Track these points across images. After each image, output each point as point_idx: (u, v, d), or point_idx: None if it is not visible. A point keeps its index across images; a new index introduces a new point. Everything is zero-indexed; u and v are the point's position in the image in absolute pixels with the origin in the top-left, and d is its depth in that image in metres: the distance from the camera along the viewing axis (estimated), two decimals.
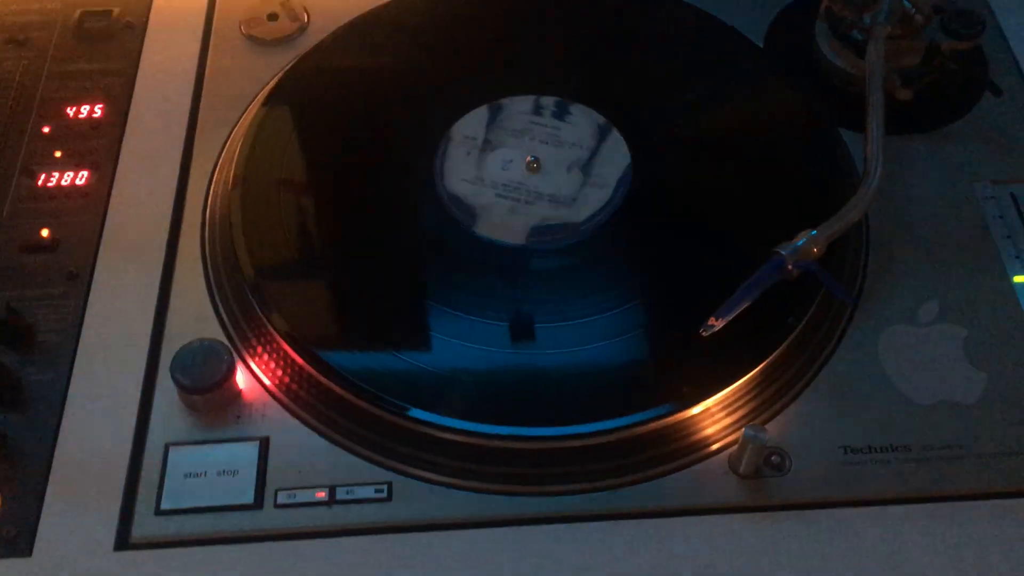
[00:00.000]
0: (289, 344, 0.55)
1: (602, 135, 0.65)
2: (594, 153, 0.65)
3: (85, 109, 0.69)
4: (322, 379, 0.54)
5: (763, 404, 0.55)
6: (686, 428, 0.54)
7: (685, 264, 0.60)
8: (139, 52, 0.72)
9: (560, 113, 0.67)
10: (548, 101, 0.67)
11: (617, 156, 0.64)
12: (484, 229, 0.61)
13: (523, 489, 0.52)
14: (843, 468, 0.53)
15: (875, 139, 0.60)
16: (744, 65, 0.70)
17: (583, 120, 0.66)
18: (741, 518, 0.52)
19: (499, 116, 0.67)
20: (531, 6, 0.74)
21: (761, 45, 0.72)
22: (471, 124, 0.66)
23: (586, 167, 0.64)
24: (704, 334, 0.55)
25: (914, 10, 0.65)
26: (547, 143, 0.65)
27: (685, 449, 0.53)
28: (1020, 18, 0.72)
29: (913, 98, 0.66)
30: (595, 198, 0.62)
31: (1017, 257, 0.61)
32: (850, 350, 0.57)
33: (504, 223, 0.62)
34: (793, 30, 0.72)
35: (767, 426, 0.54)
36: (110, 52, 0.72)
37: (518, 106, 0.67)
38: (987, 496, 0.52)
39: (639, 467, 0.53)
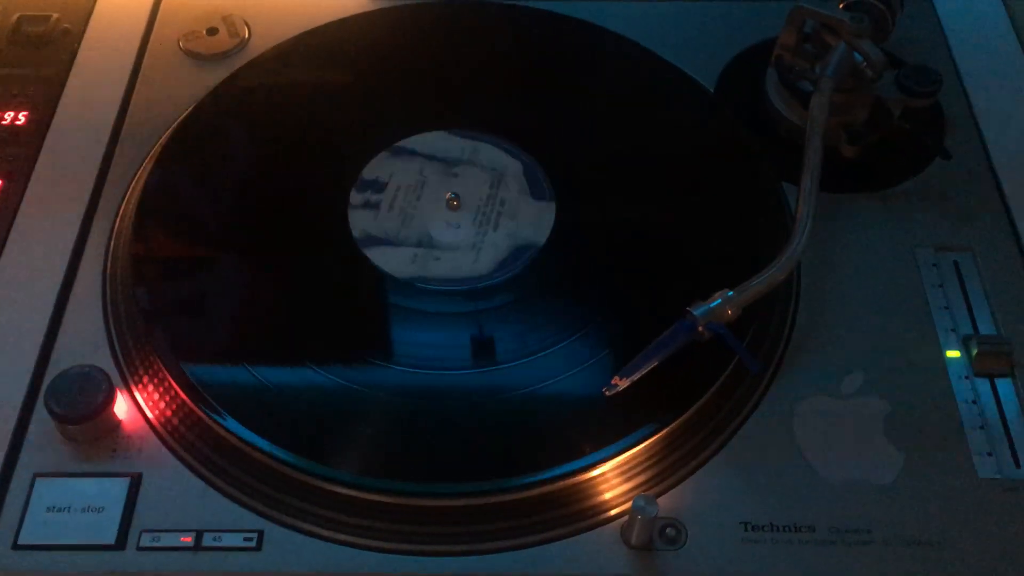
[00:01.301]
0: (169, 372, 0.53)
1: (530, 187, 0.63)
2: (509, 203, 0.62)
3: (9, 116, 0.67)
4: (200, 413, 0.52)
5: (664, 471, 0.52)
6: (578, 492, 0.51)
7: (591, 319, 0.57)
8: (72, 59, 0.70)
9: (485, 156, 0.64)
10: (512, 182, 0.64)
11: (541, 213, 0.61)
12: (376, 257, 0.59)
13: (398, 547, 0.50)
14: (742, 546, 0.50)
15: (807, 197, 0.57)
16: (686, 110, 0.67)
17: (511, 166, 0.63)
18: None
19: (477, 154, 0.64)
20: (477, 41, 0.72)
21: (712, 90, 0.69)
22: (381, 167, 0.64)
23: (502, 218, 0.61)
24: (607, 393, 0.52)
25: (865, 64, 0.62)
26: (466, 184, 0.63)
27: (576, 515, 0.51)
28: (986, 78, 0.69)
29: (860, 155, 0.64)
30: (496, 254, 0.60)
31: (952, 330, 0.58)
32: (763, 418, 0.54)
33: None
34: (746, 76, 0.70)
35: (666, 496, 0.51)
36: (44, 58, 0.70)
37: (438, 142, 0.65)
38: None
39: (525, 531, 0.50)
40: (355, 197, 0.62)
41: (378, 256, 0.59)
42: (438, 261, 0.59)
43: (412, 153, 0.64)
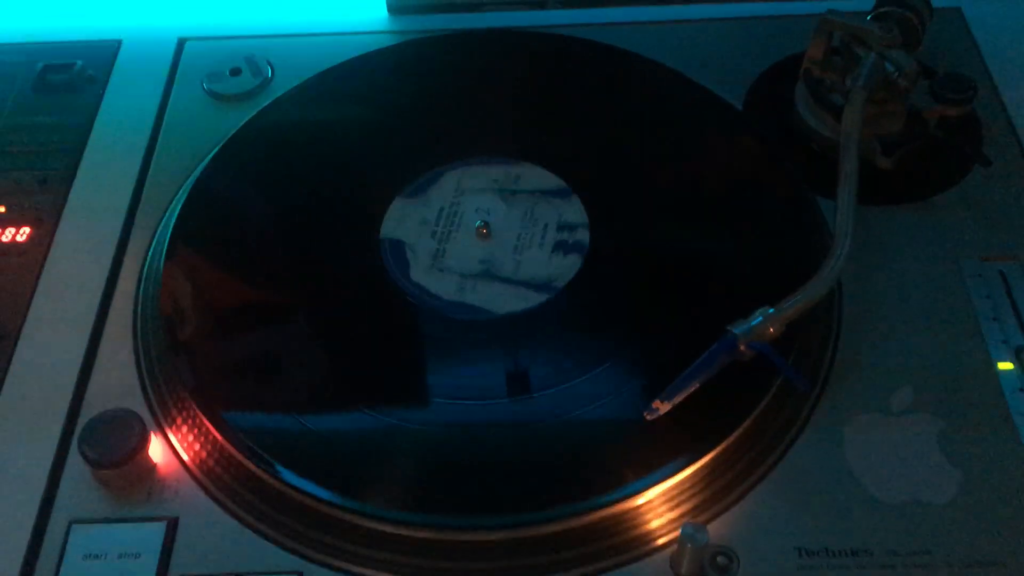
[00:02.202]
0: (204, 414, 0.52)
1: (537, 288, 0.60)
2: (508, 282, 0.60)
3: (37, 163, 0.67)
4: (236, 455, 0.51)
5: (711, 498, 0.50)
6: (623, 522, 0.49)
7: (631, 342, 0.56)
8: (97, 106, 0.70)
9: (562, 247, 0.61)
10: (580, 233, 0.61)
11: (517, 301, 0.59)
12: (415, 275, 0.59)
13: None
14: (797, 573, 0.48)
15: (845, 211, 0.56)
16: (718, 128, 0.66)
17: (558, 265, 0.60)
18: None
19: (553, 199, 0.63)
20: (501, 70, 0.71)
21: (740, 108, 0.68)
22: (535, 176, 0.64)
23: (487, 279, 0.59)
24: (648, 418, 0.51)
25: (897, 74, 0.61)
26: (519, 241, 0.61)
27: (622, 546, 0.49)
28: (1019, 84, 0.68)
29: (896, 167, 0.62)
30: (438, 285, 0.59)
31: (1004, 342, 0.56)
32: (812, 440, 0.52)
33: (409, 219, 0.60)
34: (774, 92, 0.69)
35: (715, 522, 0.49)
36: (69, 106, 0.71)
37: (564, 209, 0.63)
38: None
39: (570, 564, 0.48)
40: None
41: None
42: (475, 291, 0.59)
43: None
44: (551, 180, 0.64)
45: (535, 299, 0.58)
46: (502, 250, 0.60)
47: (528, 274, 0.59)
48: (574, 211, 0.62)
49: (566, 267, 0.59)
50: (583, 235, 0.61)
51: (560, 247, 0.60)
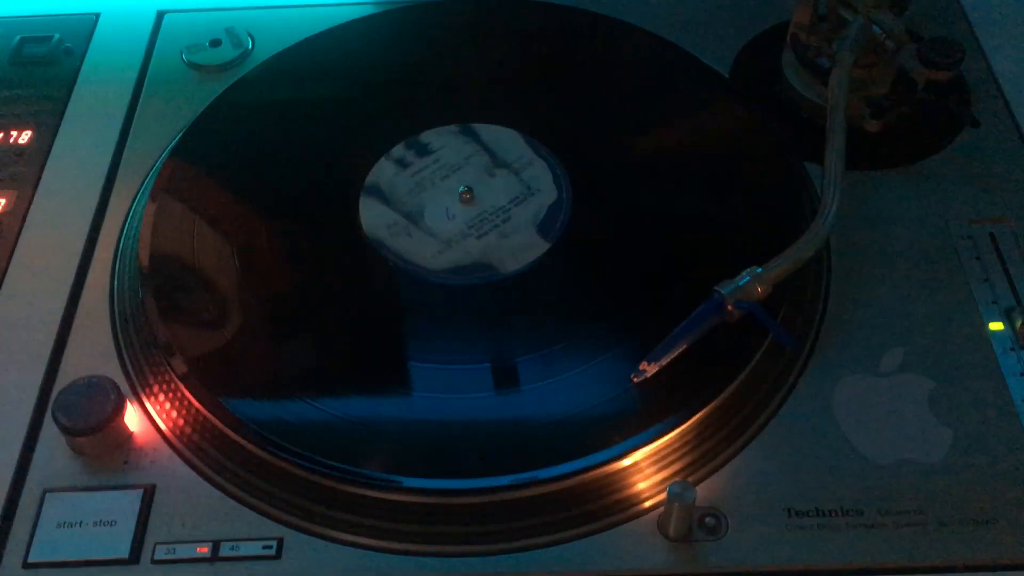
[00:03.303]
0: (181, 381, 0.51)
1: (546, 174, 0.61)
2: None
3: (13, 135, 0.66)
4: (214, 420, 0.50)
5: (700, 459, 0.49)
6: (611, 484, 0.48)
7: (618, 304, 0.55)
8: (75, 78, 0.69)
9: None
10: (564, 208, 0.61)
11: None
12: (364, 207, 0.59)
13: (425, 549, 0.47)
14: (787, 533, 0.47)
15: (832, 171, 0.55)
16: (704, 94, 0.65)
17: (547, 193, 0.61)
18: None
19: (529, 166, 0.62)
20: (485, 38, 0.70)
21: (727, 75, 0.67)
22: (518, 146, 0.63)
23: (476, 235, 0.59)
24: (635, 380, 0.50)
25: (885, 36, 0.60)
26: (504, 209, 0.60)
27: (610, 507, 0.48)
28: (1007, 47, 0.67)
29: (885, 130, 0.62)
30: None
31: (994, 302, 0.55)
32: (801, 401, 0.52)
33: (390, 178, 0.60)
34: (761, 60, 0.68)
35: (704, 484, 0.49)
36: (46, 78, 0.70)
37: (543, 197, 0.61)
38: (947, 569, 0.46)
39: (558, 526, 0.48)
40: (396, 150, 0.62)
41: (366, 207, 0.59)
42: (409, 238, 0.58)
43: (475, 138, 0.63)
44: (526, 143, 0.63)
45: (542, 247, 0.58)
46: (492, 210, 0.60)
47: (527, 226, 0.59)
48: (554, 174, 0.61)
49: (560, 208, 0.59)
50: (563, 177, 0.60)
51: (545, 192, 0.60)
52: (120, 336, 0.55)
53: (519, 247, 0.57)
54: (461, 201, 0.60)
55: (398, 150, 0.62)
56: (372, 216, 0.59)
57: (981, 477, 0.48)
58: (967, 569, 0.46)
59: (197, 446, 0.51)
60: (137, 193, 0.62)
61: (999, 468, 0.49)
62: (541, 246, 0.57)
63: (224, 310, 0.56)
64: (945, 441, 0.50)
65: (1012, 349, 0.53)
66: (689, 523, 0.47)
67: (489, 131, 0.64)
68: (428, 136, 0.63)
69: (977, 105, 0.64)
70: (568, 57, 0.69)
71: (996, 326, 0.54)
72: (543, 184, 0.61)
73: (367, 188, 0.60)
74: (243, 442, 0.50)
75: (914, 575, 0.46)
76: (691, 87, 0.66)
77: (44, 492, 0.49)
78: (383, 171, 0.62)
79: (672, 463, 0.49)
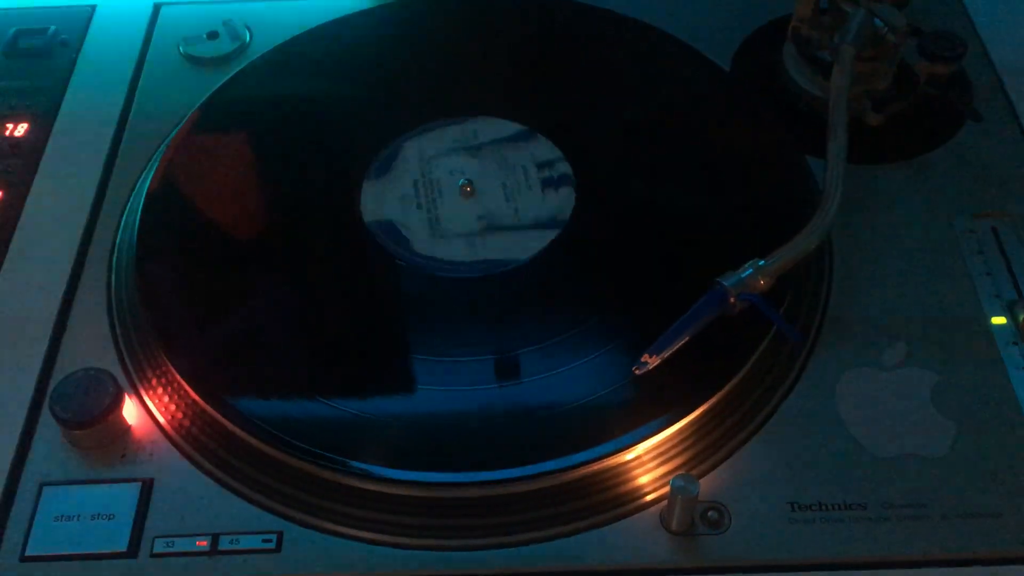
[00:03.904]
0: (179, 374, 0.51)
1: (545, 225, 0.59)
2: (514, 229, 0.59)
3: (9, 127, 0.65)
4: (214, 414, 0.50)
5: (702, 453, 0.49)
6: (613, 477, 0.48)
7: (620, 296, 0.55)
8: (71, 70, 0.69)
9: (550, 183, 0.60)
10: (561, 167, 0.61)
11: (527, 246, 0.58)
12: (370, 185, 0.59)
13: (428, 543, 0.47)
14: (789, 527, 0.47)
15: (834, 164, 0.55)
16: (705, 89, 0.65)
17: (554, 201, 0.60)
18: None
19: (520, 142, 0.62)
20: (485, 32, 0.70)
21: (728, 69, 0.67)
22: (490, 127, 0.63)
23: (491, 230, 0.58)
24: (637, 373, 0.49)
25: (886, 30, 0.60)
26: (504, 190, 0.60)
27: (612, 501, 0.48)
28: (1007, 41, 0.67)
29: (886, 124, 0.61)
30: (456, 251, 0.57)
31: (996, 296, 0.55)
32: (804, 395, 0.51)
33: (386, 197, 0.59)
34: (762, 54, 0.68)
35: (706, 478, 0.48)
36: (42, 70, 0.69)
37: (537, 148, 0.62)
38: (951, 563, 0.46)
39: (560, 520, 0.47)
40: (398, 142, 0.62)
41: (367, 198, 0.59)
42: (409, 230, 0.58)
43: (474, 131, 0.63)
44: (528, 142, 0.62)
45: (547, 236, 0.57)
46: (495, 202, 0.59)
47: (531, 217, 0.58)
48: (546, 148, 0.61)
49: (563, 200, 0.59)
50: (564, 167, 0.60)
51: (548, 184, 0.59)
52: (118, 329, 0.55)
53: (521, 240, 0.57)
54: (461, 194, 0.59)
55: (399, 141, 0.62)
56: (372, 208, 0.59)
57: (984, 471, 0.48)
58: (971, 562, 0.46)
59: (196, 439, 0.50)
60: (134, 185, 0.62)
61: (1002, 461, 0.49)
62: (543, 238, 0.57)
63: (222, 303, 0.55)
64: (948, 434, 0.50)
65: (1015, 343, 0.53)
66: (692, 517, 0.47)
67: (488, 124, 0.63)
68: (427, 128, 0.63)
69: (978, 99, 0.64)
70: (569, 51, 0.68)
71: (999, 320, 0.54)
72: (545, 177, 0.60)
73: (368, 179, 0.60)
74: (243, 435, 0.49)
75: (917, 568, 0.46)
76: (692, 81, 0.66)
77: (41, 485, 0.49)
78: (384, 164, 0.61)
79: (675, 457, 0.49)
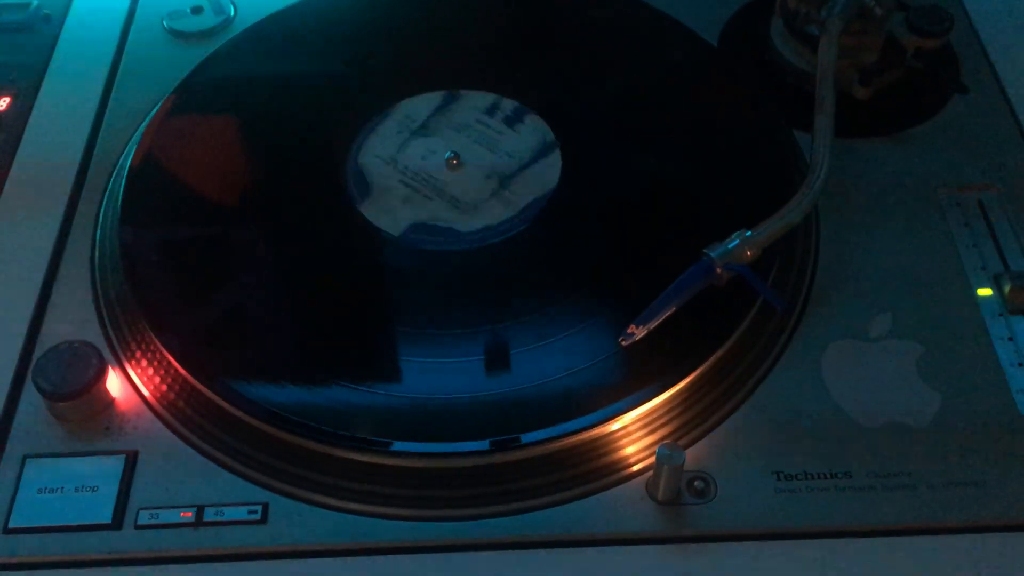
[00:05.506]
0: (164, 346, 0.50)
1: (542, 152, 0.60)
2: (523, 168, 0.59)
3: None
4: (198, 385, 0.49)
5: (688, 423, 0.49)
6: (599, 447, 0.48)
7: (607, 268, 0.55)
8: (53, 45, 0.68)
9: (511, 120, 0.61)
10: (507, 104, 0.62)
11: (546, 176, 0.59)
12: (367, 208, 0.57)
13: (414, 513, 0.47)
14: (775, 496, 0.47)
15: (821, 137, 0.55)
16: (693, 62, 0.65)
17: (529, 131, 0.61)
18: (658, 549, 0.46)
19: (451, 105, 0.62)
20: (471, 4, 0.70)
21: (716, 44, 0.67)
22: (418, 105, 0.63)
23: (506, 180, 0.58)
24: (623, 344, 0.49)
25: (873, 3, 0.60)
26: (482, 145, 0.60)
27: (599, 471, 0.48)
28: (993, 16, 0.67)
29: (874, 97, 0.61)
30: (497, 213, 0.57)
31: (982, 268, 0.55)
32: (790, 365, 0.51)
33: (391, 209, 0.57)
34: (750, 28, 0.68)
35: (693, 448, 0.48)
36: (24, 45, 0.68)
37: (473, 101, 0.63)
38: (936, 531, 0.46)
39: (547, 490, 0.47)
40: (383, 118, 0.62)
41: (353, 173, 0.59)
42: (397, 203, 0.58)
43: (461, 105, 0.63)
44: (513, 114, 0.62)
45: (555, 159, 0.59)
46: (486, 158, 0.59)
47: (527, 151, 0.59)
48: (551, 168, 0.60)
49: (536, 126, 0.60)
50: (510, 104, 0.62)
51: (510, 121, 0.60)
52: (102, 302, 0.54)
53: (538, 172, 0.58)
54: (448, 167, 0.59)
55: (385, 117, 0.62)
56: (391, 224, 0.57)
57: (969, 440, 0.48)
58: (955, 531, 0.46)
59: (180, 411, 0.50)
60: (117, 160, 0.61)
61: (987, 431, 0.49)
62: (530, 211, 0.57)
63: (206, 274, 0.55)
64: (933, 405, 0.50)
65: (1000, 314, 0.53)
66: (678, 486, 0.47)
67: (474, 97, 0.63)
68: (413, 103, 0.63)
69: (965, 73, 0.64)
70: (556, 24, 0.68)
71: (984, 292, 0.54)
72: (531, 150, 0.60)
73: (355, 155, 0.60)
74: (227, 407, 0.49)
75: (903, 537, 0.46)
76: (680, 55, 0.65)
77: (25, 458, 0.48)
78: (370, 139, 0.61)
79: (661, 427, 0.49)
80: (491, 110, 0.61)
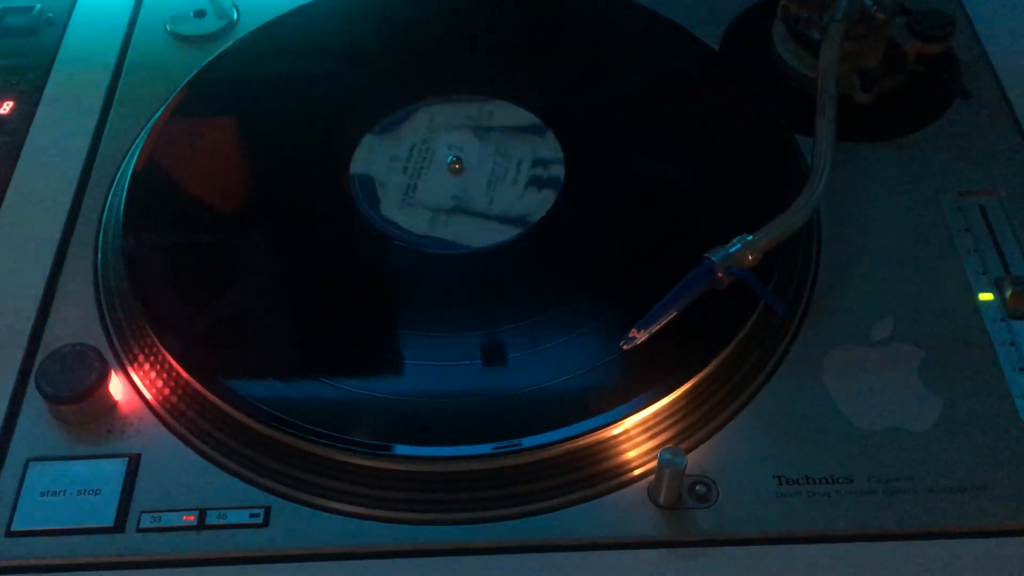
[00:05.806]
0: (166, 349, 0.51)
1: (545, 156, 0.60)
2: (525, 169, 0.59)
3: None
4: (201, 389, 0.49)
5: (690, 427, 0.49)
6: (601, 452, 0.48)
7: (609, 271, 0.55)
8: (56, 48, 0.68)
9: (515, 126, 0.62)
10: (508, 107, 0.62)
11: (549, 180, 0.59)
12: (370, 212, 0.58)
13: (417, 517, 0.47)
14: (777, 500, 0.47)
15: (823, 140, 0.55)
16: (695, 66, 0.65)
17: (533, 135, 0.61)
18: (660, 554, 0.46)
19: (452, 108, 0.63)
20: (481, 5, 0.70)
21: (718, 48, 0.67)
22: (422, 109, 0.63)
23: (507, 183, 0.59)
24: (625, 348, 0.49)
25: (875, 8, 0.60)
26: (485, 149, 0.61)
27: (600, 475, 0.48)
28: (995, 20, 0.67)
29: (875, 102, 0.61)
30: (499, 215, 0.57)
31: (983, 273, 0.55)
32: (791, 370, 0.51)
33: (394, 212, 0.58)
34: (751, 32, 0.68)
35: (695, 452, 0.48)
36: (28, 48, 0.69)
37: (475, 105, 0.63)
38: (938, 536, 0.46)
39: (548, 494, 0.47)
40: (384, 122, 0.62)
41: (355, 174, 0.59)
42: (398, 207, 0.58)
43: (463, 108, 0.63)
44: (525, 117, 0.62)
45: (509, 233, 0.56)
46: (475, 186, 0.59)
47: (501, 209, 0.58)
48: (549, 147, 0.61)
49: (540, 202, 0.58)
50: (558, 170, 0.59)
51: (535, 183, 0.59)
52: (104, 305, 0.54)
53: (481, 229, 0.57)
54: (450, 171, 0.59)
55: (386, 121, 0.62)
56: (363, 160, 0.59)
57: (970, 445, 0.48)
58: (957, 535, 0.46)
59: (183, 415, 0.50)
60: (120, 164, 0.61)
61: (988, 436, 0.49)
62: (532, 215, 0.57)
63: (209, 278, 0.55)
64: (934, 409, 0.50)
65: (1001, 319, 0.53)
66: (679, 490, 0.47)
67: (477, 101, 0.63)
68: (417, 107, 0.63)
69: (966, 78, 0.64)
70: (557, 29, 0.68)
71: (986, 296, 0.54)
72: (534, 153, 0.60)
73: (371, 133, 0.60)
74: (230, 410, 0.49)
75: (904, 542, 0.46)
76: (682, 59, 0.65)
77: (27, 461, 0.49)
78: (372, 142, 0.61)
79: (662, 431, 0.49)
80: (539, 163, 0.60)
